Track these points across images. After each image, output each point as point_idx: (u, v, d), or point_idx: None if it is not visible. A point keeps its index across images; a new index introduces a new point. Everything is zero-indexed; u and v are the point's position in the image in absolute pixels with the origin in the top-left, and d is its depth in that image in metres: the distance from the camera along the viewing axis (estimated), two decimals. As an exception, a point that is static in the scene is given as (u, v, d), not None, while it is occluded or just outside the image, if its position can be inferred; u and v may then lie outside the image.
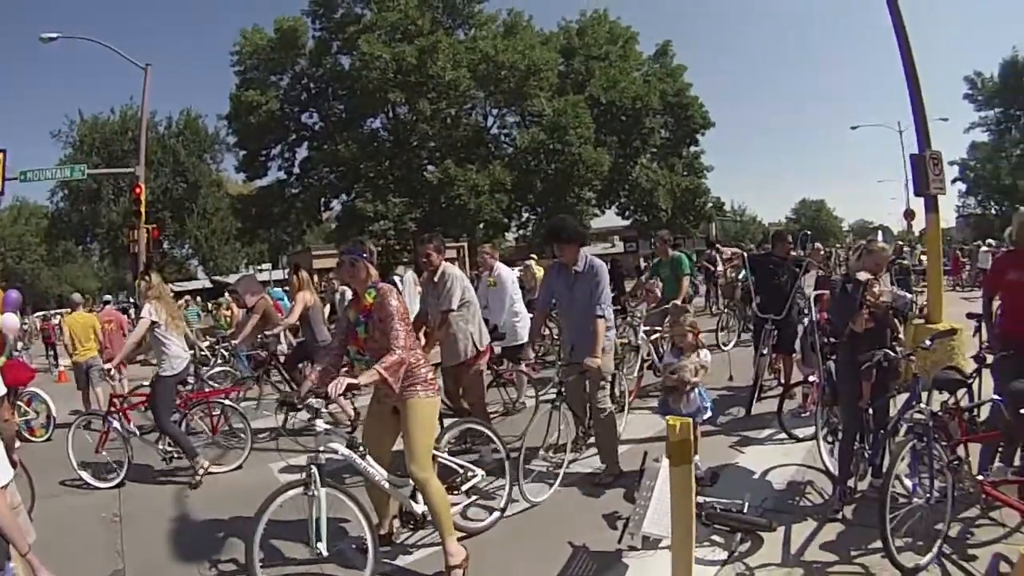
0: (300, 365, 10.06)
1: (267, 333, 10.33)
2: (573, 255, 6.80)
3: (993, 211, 59.41)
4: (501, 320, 9.53)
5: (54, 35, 24.84)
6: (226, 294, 19.19)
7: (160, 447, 8.01)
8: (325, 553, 4.52)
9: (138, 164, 25.72)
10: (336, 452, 4.80)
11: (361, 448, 4.99)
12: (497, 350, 9.46)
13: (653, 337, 10.53)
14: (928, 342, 5.89)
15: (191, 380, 8.99)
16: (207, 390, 9.44)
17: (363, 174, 34.14)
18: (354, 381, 4.57)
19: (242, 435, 8.21)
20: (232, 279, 37.85)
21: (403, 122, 34.81)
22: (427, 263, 7.33)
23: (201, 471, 7.54)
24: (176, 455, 7.88)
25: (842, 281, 6.26)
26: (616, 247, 57.46)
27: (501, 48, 32.91)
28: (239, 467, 7.99)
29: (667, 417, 4.67)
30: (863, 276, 5.89)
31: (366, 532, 4.58)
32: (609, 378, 7.27)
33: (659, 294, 11.56)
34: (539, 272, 21.91)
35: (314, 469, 4.54)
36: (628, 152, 39.35)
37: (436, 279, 7.28)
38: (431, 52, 31.30)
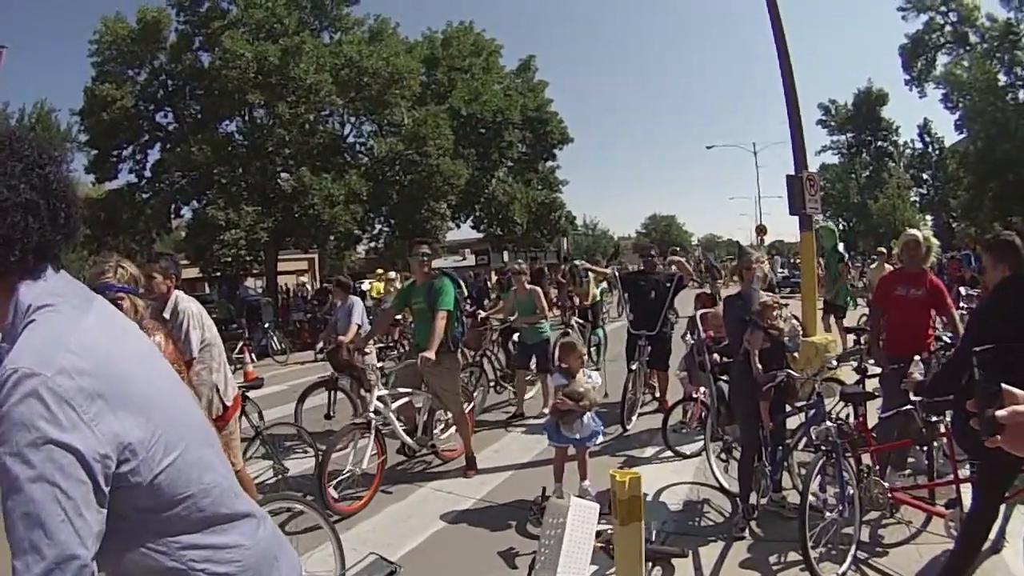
0: None
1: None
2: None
3: (841, 226, 64.15)
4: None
5: None
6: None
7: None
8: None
9: None
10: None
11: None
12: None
13: None
14: (835, 362, 6.12)
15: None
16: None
17: (216, 180, 32.52)
18: None
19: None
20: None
21: (260, 126, 33.69)
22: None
23: None
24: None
25: (734, 299, 6.38)
26: (467, 260, 57.78)
27: (366, 54, 32.38)
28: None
29: (613, 472, 4.54)
30: (765, 299, 6.00)
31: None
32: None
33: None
34: (380, 287, 21.86)
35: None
36: (486, 165, 39.51)
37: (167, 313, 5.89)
38: (295, 53, 30.55)
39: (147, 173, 35.61)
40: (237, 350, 14.77)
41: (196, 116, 34.64)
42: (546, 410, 9.78)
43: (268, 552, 1.72)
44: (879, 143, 65.24)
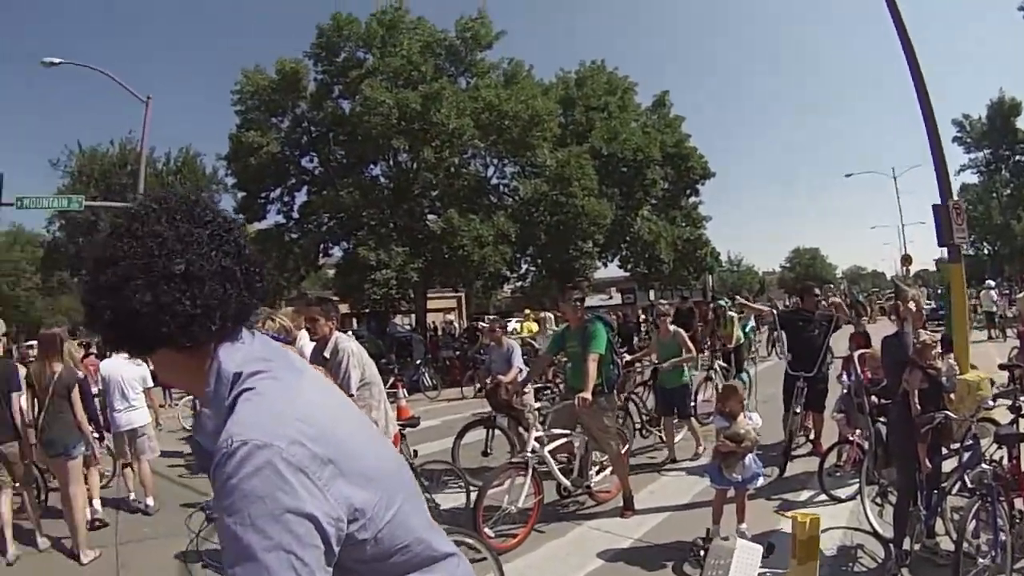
0: None
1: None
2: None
3: (986, 251, 60.53)
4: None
5: (57, 60, 25.25)
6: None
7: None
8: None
9: (136, 199, 25.36)
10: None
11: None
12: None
13: None
14: (991, 402, 5.94)
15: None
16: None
17: (365, 221, 33.40)
18: None
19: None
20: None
21: (405, 170, 34.43)
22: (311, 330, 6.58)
23: None
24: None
25: (891, 339, 6.25)
26: (614, 298, 57.64)
27: (504, 97, 32.47)
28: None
29: (792, 513, 4.58)
30: (924, 337, 5.90)
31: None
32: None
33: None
34: (534, 327, 21.86)
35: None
36: (630, 204, 39.02)
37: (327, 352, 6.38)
38: (435, 99, 30.86)
39: (295, 214, 36.76)
40: (389, 385, 14.42)
41: (341, 160, 35.57)
42: (700, 450, 9.92)
43: None
44: (1018, 157, 60.09)
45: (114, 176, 46.25)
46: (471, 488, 7.61)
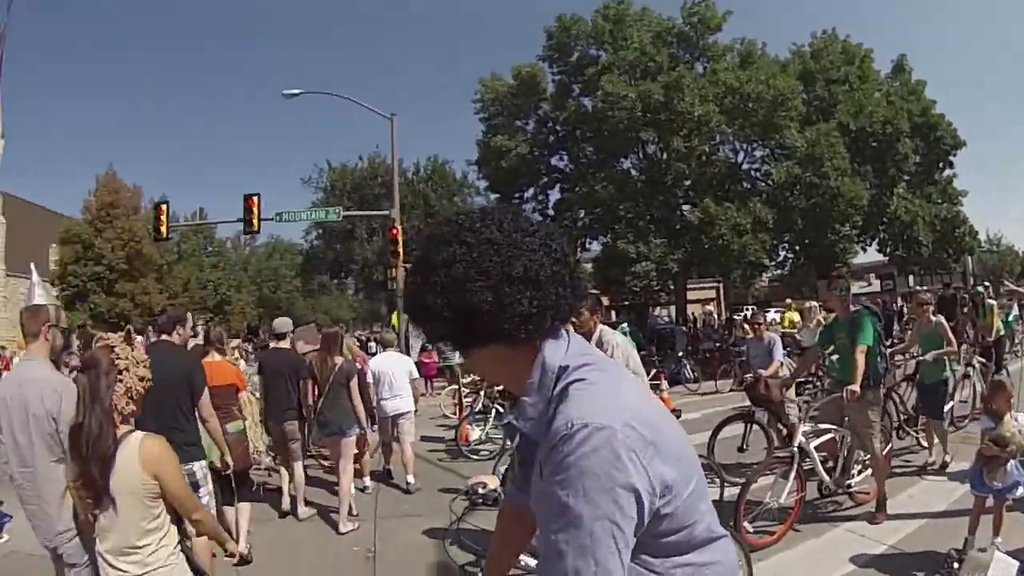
0: None
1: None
2: None
3: None
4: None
5: (296, 91, 27.75)
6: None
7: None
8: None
9: (392, 207, 27.47)
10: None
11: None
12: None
13: None
14: None
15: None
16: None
17: (621, 215, 33.49)
18: None
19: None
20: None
21: (655, 161, 34.15)
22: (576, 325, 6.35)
23: None
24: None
25: None
26: (872, 285, 55.33)
27: (744, 79, 31.62)
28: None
29: None
30: None
31: None
32: None
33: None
34: (795, 317, 21.10)
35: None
36: (883, 182, 36.38)
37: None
38: (676, 88, 30.40)
39: (550, 212, 37.57)
40: (651, 376, 14.79)
41: (590, 157, 35.81)
42: (947, 458, 9.30)
43: (734, 569, 1.85)
44: None
45: (366, 188, 48.82)
46: (726, 483, 7.72)
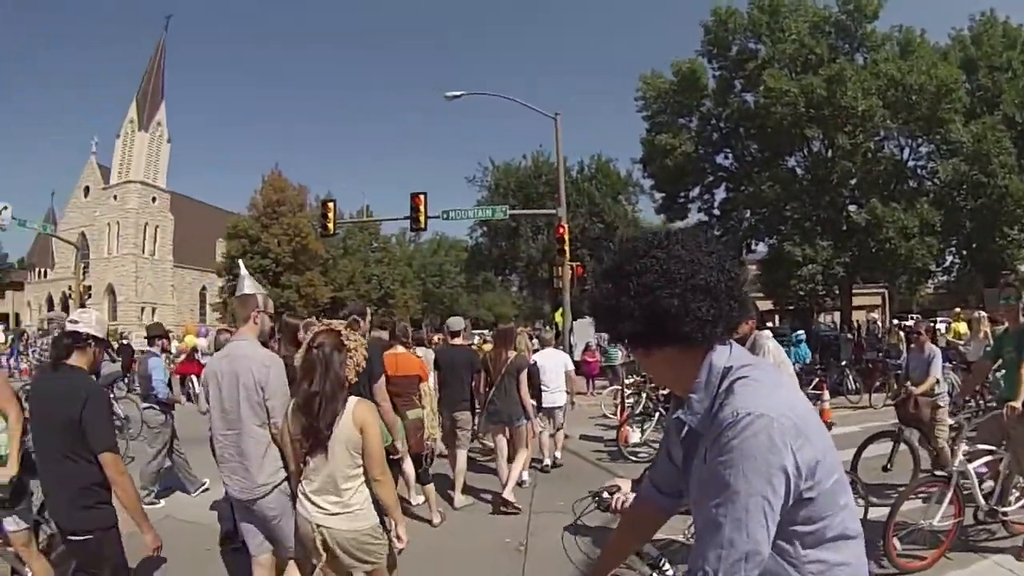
0: None
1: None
2: None
3: None
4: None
5: (458, 93, 27.99)
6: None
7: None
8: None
9: (558, 206, 27.34)
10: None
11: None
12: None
13: None
14: None
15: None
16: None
17: (788, 216, 32.97)
18: None
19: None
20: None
21: (820, 159, 33.11)
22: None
23: None
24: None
25: None
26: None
27: (905, 70, 30.27)
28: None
29: None
30: None
31: None
32: None
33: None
34: (962, 328, 20.11)
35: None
36: None
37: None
38: (838, 81, 29.46)
39: (716, 212, 37.23)
40: (813, 386, 14.68)
41: (755, 155, 35.26)
42: None
43: (863, 574, 1.95)
44: None
45: (530, 186, 49.20)
46: (868, 504, 7.34)
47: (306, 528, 4.14)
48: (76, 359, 4.43)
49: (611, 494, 3.47)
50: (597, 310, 2.00)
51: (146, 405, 9.77)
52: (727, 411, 1.78)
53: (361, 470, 4.12)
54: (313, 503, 4.10)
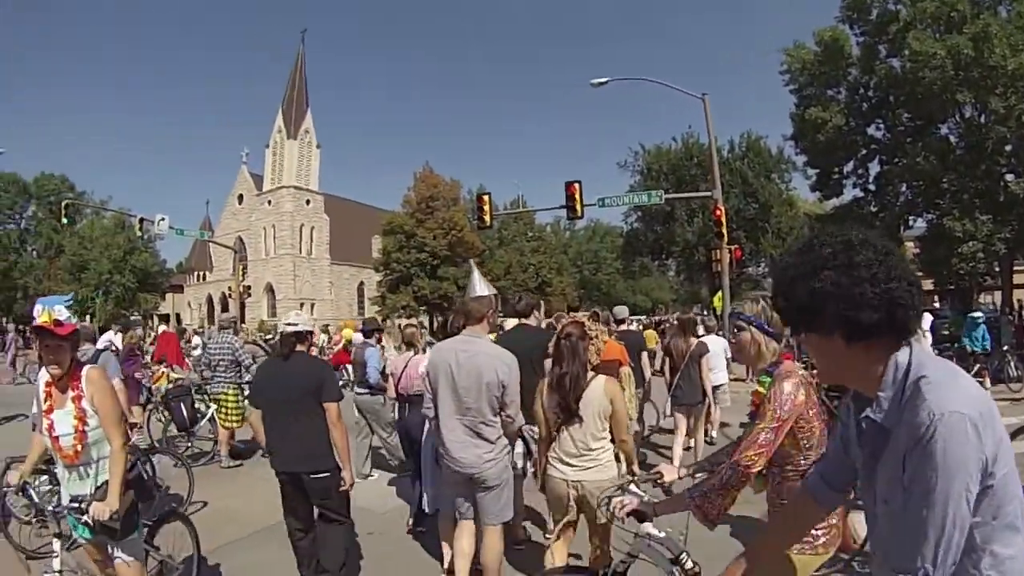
0: None
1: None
2: None
3: None
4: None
5: (604, 80, 27.87)
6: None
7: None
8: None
9: (712, 188, 26.99)
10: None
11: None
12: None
13: None
14: None
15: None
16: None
17: (945, 189, 30.84)
18: None
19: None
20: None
21: (974, 126, 30.55)
22: None
23: None
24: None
25: None
26: None
27: None
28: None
29: None
30: None
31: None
32: None
33: None
34: None
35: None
36: None
37: None
38: (984, 39, 27.03)
39: (871, 187, 35.83)
40: (974, 373, 13.85)
41: (906, 124, 33.45)
42: None
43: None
44: None
45: (682, 169, 49.01)
46: None
47: (560, 487, 4.98)
48: (301, 348, 5.90)
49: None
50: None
51: (359, 391, 10.68)
52: (923, 413, 1.82)
53: (607, 433, 5.03)
54: (567, 463, 4.96)
